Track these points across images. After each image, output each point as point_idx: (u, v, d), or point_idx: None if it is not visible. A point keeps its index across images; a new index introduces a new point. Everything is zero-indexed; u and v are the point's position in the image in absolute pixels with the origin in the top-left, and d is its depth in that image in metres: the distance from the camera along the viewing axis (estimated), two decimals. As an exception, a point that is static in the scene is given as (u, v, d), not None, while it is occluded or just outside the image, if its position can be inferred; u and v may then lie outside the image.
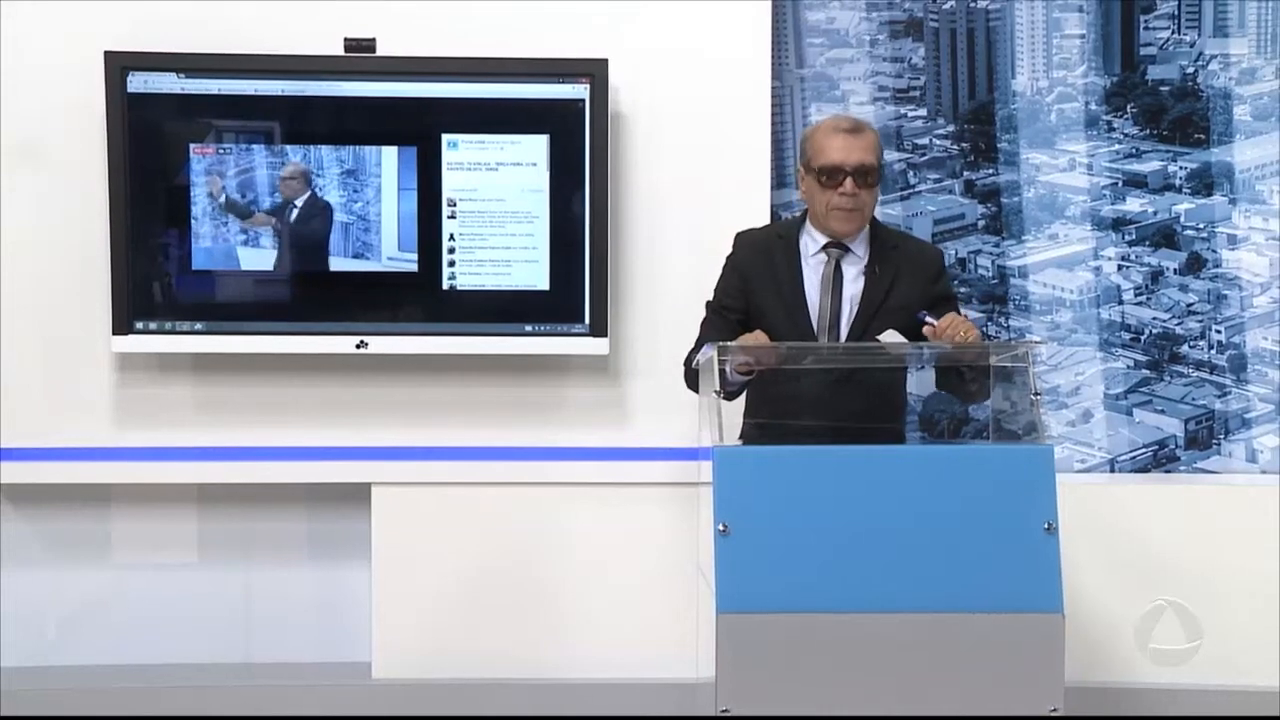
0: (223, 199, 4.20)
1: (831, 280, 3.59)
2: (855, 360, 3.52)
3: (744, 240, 3.76)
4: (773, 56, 4.43)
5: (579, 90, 4.24)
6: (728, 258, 3.75)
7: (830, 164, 3.54)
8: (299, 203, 4.23)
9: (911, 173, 4.57)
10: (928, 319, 3.45)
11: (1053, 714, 3.07)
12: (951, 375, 3.66)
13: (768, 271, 3.65)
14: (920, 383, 4.23)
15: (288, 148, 4.21)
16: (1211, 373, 4.57)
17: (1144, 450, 4.57)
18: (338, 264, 4.24)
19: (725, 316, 3.66)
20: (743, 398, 3.64)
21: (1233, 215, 4.57)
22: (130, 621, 4.47)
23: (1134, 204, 4.58)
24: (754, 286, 3.65)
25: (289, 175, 4.21)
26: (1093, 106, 4.57)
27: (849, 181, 3.54)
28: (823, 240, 3.62)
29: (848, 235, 3.61)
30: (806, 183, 3.62)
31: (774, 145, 4.38)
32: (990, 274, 4.58)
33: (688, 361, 3.64)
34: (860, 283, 3.59)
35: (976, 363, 3.49)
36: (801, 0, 4.54)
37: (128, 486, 4.41)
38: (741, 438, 3.57)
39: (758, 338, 3.44)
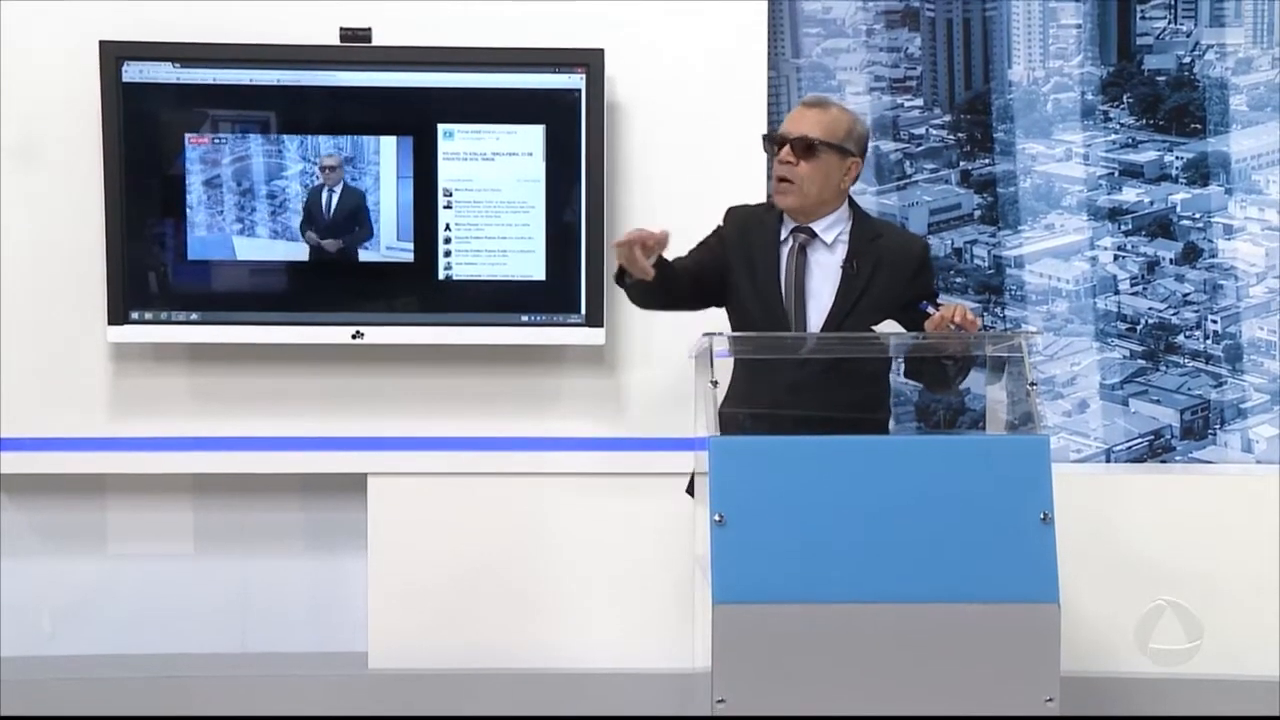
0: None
1: (795, 266, 3.55)
2: (843, 350, 3.48)
3: (731, 215, 3.70)
4: (769, 46, 4.42)
5: (575, 80, 4.23)
6: (716, 227, 3.71)
7: (774, 132, 3.47)
8: (336, 191, 4.22)
9: (908, 163, 4.57)
10: (929, 308, 3.42)
11: (1048, 704, 3.07)
12: (927, 363, 3.61)
13: (744, 250, 3.61)
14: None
15: (283, 137, 4.21)
16: (1207, 363, 4.57)
17: (1140, 440, 4.58)
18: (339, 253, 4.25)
19: (691, 255, 3.62)
20: (727, 392, 3.59)
21: (1229, 205, 4.57)
22: (126, 612, 4.47)
23: (1130, 194, 4.58)
24: (731, 261, 3.61)
25: (330, 165, 4.20)
26: (1089, 96, 4.57)
27: (784, 149, 3.49)
28: (791, 225, 3.58)
29: (788, 211, 3.55)
30: None
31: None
32: (986, 264, 4.58)
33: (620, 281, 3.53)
34: (837, 277, 3.54)
35: (964, 352, 3.48)
36: (798, -10, 4.55)
37: (123, 476, 4.40)
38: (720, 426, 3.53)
39: (660, 238, 3.33)
